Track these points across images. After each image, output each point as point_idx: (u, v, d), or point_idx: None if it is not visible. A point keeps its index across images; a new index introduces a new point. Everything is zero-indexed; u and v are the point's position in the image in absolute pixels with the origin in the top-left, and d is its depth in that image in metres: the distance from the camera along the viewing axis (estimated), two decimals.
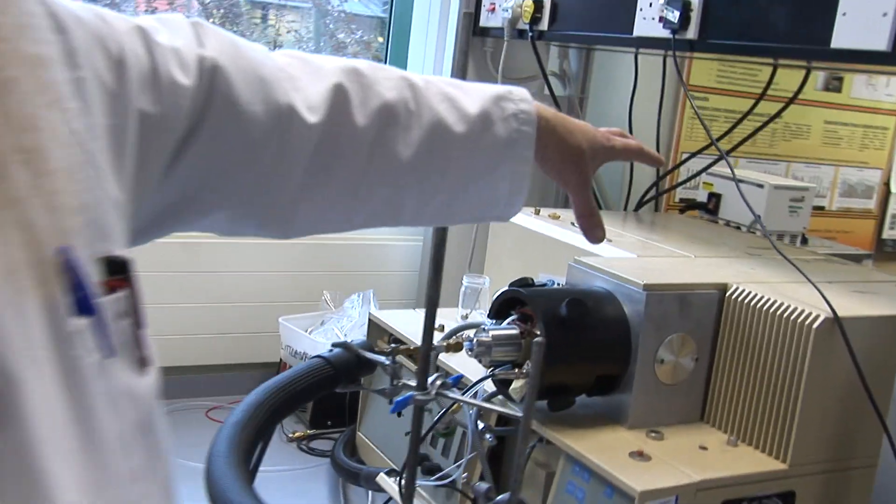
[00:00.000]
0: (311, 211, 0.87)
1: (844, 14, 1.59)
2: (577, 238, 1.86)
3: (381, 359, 1.26)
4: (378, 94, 0.87)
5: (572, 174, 1.01)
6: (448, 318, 2.01)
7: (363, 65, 0.89)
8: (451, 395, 1.26)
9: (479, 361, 1.46)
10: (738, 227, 2.58)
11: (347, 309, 2.49)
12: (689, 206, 2.74)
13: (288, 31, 3.18)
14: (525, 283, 1.54)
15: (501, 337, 1.45)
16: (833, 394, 1.42)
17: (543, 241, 1.93)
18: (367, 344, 1.37)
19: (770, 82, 2.24)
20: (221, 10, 3.03)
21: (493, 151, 0.94)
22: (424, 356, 1.22)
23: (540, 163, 1.00)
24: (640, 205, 2.41)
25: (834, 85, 3.13)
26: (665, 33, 1.94)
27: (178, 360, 2.56)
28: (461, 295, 1.97)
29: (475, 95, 0.94)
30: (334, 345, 1.35)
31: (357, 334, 2.30)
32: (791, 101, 2.25)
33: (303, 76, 0.83)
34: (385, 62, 3.33)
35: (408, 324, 1.95)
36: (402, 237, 2.86)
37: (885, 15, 1.52)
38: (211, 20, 2.98)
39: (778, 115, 2.35)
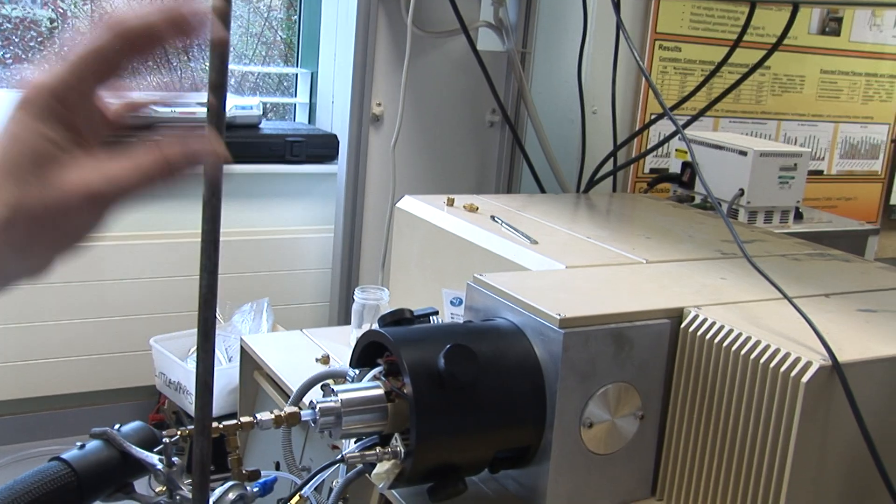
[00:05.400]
0: None
1: None
2: (497, 239, 1.42)
3: (152, 459, 0.82)
4: None
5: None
6: (338, 340, 1.59)
7: None
8: None
9: (329, 436, 1.03)
10: (720, 204, 2.15)
11: (237, 323, 2.05)
12: (658, 178, 2.29)
13: None
14: (400, 317, 1.11)
15: (356, 401, 1.02)
16: (832, 467, 1.02)
17: (455, 243, 1.48)
18: (145, 431, 0.95)
19: (748, 23, 1.79)
20: None
21: None
22: (200, 463, 0.79)
23: None
24: (591, 183, 1.96)
25: (831, 27, 2.67)
26: None
27: (26, 390, 2.11)
28: (353, 314, 1.54)
29: None
30: (92, 434, 0.92)
31: None
32: (776, 45, 1.79)
33: None
34: (300, 11, 2.89)
35: (297, 350, 1.54)
36: (310, 227, 2.42)
37: None
38: None
39: (761, 63, 1.90)
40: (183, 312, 2.21)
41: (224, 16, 0.74)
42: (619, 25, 1.62)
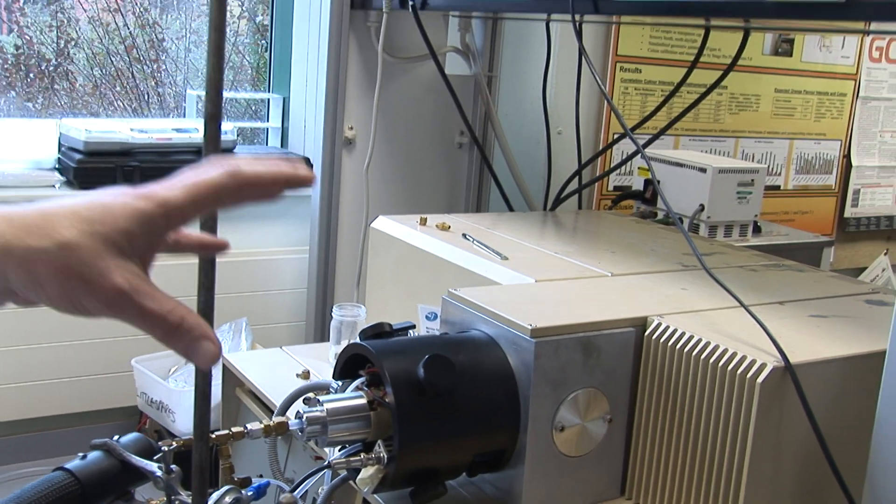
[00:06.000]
0: None
1: None
2: (469, 256, 1.49)
3: (151, 467, 0.87)
4: None
5: (85, 296, 0.56)
6: (317, 356, 1.64)
7: None
8: None
9: (316, 445, 1.08)
10: (681, 220, 2.23)
11: None
12: (622, 196, 2.37)
13: None
14: (380, 330, 1.17)
15: (340, 410, 1.07)
16: (787, 463, 1.08)
17: (428, 261, 1.54)
18: (143, 442, 1.00)
19: (703, 47, 1.87)
20: None
21: None
22: (199, 468, 0.84)
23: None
24: (557, 201, 2.04)
25: (784, 48, 2.78)
26: None
27: (7, 414, 2.14)
28: (332, 330, 1.59)
29: None
30: (93, 445, 0.97)
31: None
32: (730, 67, 1.88)
33: None
34: (271, 37, 2.94)
35: (278, 366, 1.58)
36: (286, 248, 2.47)
37: None
38: None
39: (717, 84, 1.98)
40: None
41: (219, 36, 0.80)
42: (581, 50, 1.70)
